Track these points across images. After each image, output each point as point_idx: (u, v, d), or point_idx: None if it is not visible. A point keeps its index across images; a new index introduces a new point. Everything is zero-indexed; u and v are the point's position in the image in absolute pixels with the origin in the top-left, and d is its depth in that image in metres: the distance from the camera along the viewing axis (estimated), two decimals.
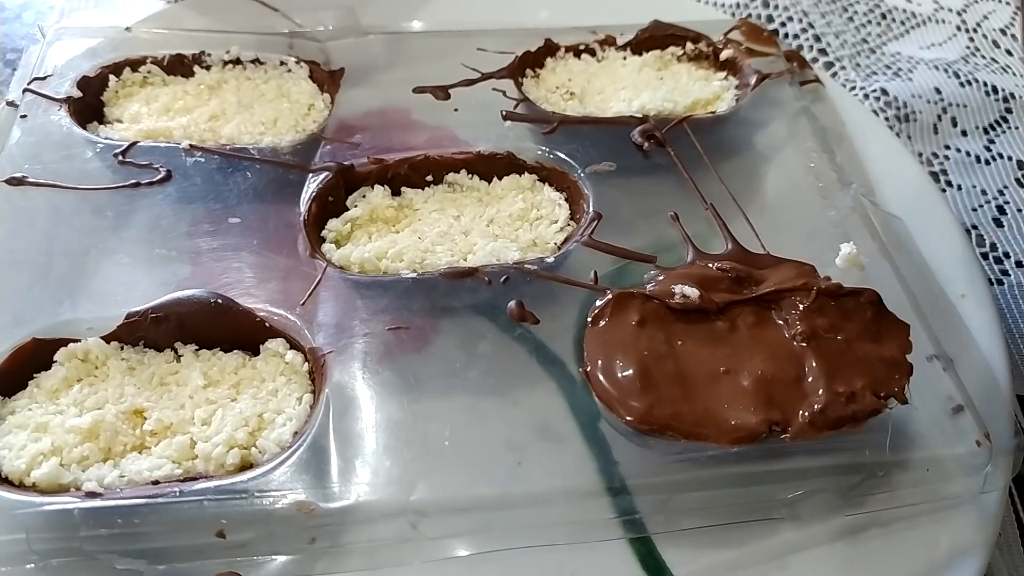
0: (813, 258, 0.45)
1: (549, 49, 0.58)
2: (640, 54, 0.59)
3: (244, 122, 0.51)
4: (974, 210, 0.58)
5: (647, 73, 0.57)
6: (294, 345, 0.41)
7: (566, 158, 0.50)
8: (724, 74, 0.58)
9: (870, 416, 0.38)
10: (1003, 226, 0.57)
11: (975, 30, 0.70)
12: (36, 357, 0.40)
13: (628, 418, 0.37)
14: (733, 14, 0.72)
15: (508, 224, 0.47)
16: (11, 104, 0.52)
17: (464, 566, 0.36)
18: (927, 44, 0.70)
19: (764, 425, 0.37)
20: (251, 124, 0.51)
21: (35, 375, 0.40)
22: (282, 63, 0.56)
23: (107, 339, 0.41)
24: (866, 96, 0.65)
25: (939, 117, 0.64)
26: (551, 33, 0.58)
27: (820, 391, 0.38)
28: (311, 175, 0.48)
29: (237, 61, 0.56)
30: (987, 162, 0.61)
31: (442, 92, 0.54)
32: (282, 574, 0.36)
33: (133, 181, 0.48)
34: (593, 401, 0.39)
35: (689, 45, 0.59)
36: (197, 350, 0.41)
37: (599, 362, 0.39)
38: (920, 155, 0.62)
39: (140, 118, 0.52)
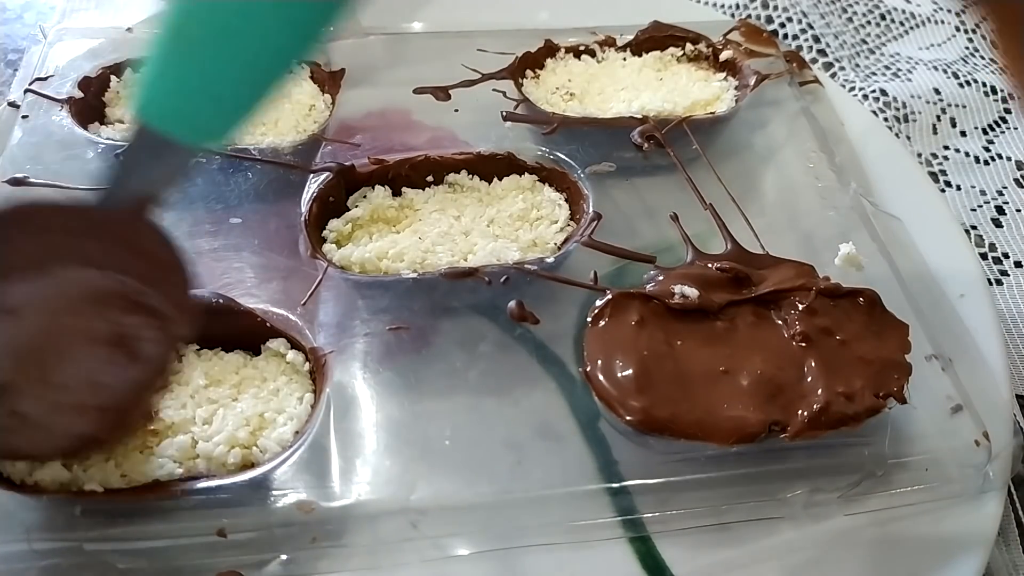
0: (812, 258, 0.45)
1: (549, 50, 0.58)
2: (640, 55, 0.59)
3: None
4: (973, 210, 0.58)
5: (647, 74, 0.57)
6: (295, 345, 0.41)
7: (566, 159, 0.50)
8: (724, 75, 0.58)
9: (869, 416, 0.38)
10: (1002, 226, 0.57)
11: (974, 31, 0.71)
12: None
13: (628, 418, 0.37)
14: (733, 15, 0.72)
15: (508, 224, 0.47)
16: (12, 105, 0.52)
17: (464, 565, 0.36)
18: (926, 45, 0.71)
19: (763, 425, 0.37)
20: (252, 124, 0.51)
21: None
22: None
23: None
24: (865, 97, 0.65)
25: (938, 117, 0.64)
26: (551, 34, 0.58)
27: (819, 391, 0.38)
28: (312, 175, 0.48)
29: None
30: (986, 162, 0.61)
31: (442, 93, 0.54)
32: (283, 574, 0.36)
33: None
34: (593, 401, 0.39)
35: (689, 46, 0.59)
36: (198, 350, 0.41)
37: (599, 362, 0.39)
38: (919, 155, 0.62)
39: None
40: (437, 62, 0.56)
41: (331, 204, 0.48)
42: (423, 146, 0.51)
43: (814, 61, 0.69)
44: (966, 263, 0.49)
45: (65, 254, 0.33)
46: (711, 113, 0.54)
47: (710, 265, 0.44)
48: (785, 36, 0.71)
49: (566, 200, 0.49)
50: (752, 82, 0.56)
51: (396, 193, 0.49)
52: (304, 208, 0.47)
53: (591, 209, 0.47)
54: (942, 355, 0.42)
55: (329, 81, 0.56)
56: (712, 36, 0.59)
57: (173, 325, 0.34)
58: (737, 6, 0.73)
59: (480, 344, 0.43)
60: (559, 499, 0.38)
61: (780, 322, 0.42)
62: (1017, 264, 0.55)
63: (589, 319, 0.41)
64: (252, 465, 0.37)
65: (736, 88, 0.56)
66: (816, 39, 0.71)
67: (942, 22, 0.71)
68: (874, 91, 0.65)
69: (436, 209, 0.48)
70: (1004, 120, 0.64)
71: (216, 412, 0.38)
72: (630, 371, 0.39)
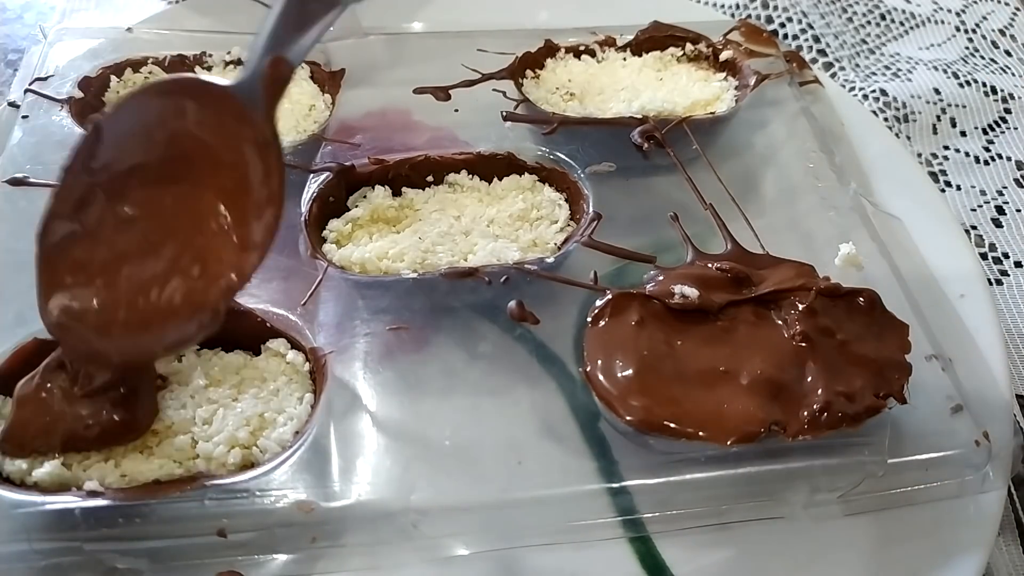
0: (812, 258, 0.45)
1: (549, 50, 0.58)
2: (640, 55, 0.59)
3: None
4: (973, 210, 0.59)
5: (647, 74, 0.57)
6: (295, 345, 0.41)
7: (566, 159, 0.50)
8: (724, 75, 0.58)
9: (869, 416, 0.38)
10: (1002, 226, 0.58)
11: (974, 31, 0.71)
12: (38, 357, 0.40)
13: (628, 418, 0.37)
14: (733, 15, 0.72)
15: (508, 224, 0.47)
16: (12, 105, 0.52)
17: (464, 565, 0.36)
18: (926, 45, 0.71)
19: (763, 425, 0.37)
20: None
21: None
22: None
23: None
24: (865, 97, 0.65)
25: (938, 117, 0.64)
26: (551, 34, 0.58)
27: (819, 391, 0.38)
28: (312, 175, 0.48)
29: (238, 62, 0.56)
30: (986, 162, 0.62)
31: (442, 93, 0.54)
32: (283, 574, 0.36)
33: None
34: (593, 401, 0.40)
35: (689, 46, 0.59)
36: (199, 350, 0.41)
37: (599, 362, 0.39)
38: (919, 155, 0.62)
39: None
40: (437, 62, 0.56)
41: (331, 204, 0.48)
42: (423, 146, 0.51)
43: (814, 61, 0.69)
44: (966, 263, 0.49)
45: (186, 151, 0.33)
46: (711, 113, 0.54)
47: (710, 265, 0.44)
48: (785, 36, 0.71)
49: (566, 200, 0.49)
50: (752, 82, 0.56)
51: (396, 193, 0.49)
52: (304, 208, 0.47)
53: (591, 209, 0.47)
54: (942, 355, 0.42)
55: (329, 81, 0.56)
56: (712, 36, 0.59)
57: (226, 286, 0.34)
58: (737, 6, 0.73)
59: (480, 344, 0.43)
60: (559, 499, 0.38)
61: (780, 322, 0.41)
62: (1017, 264, 0.55)
63: (589, 319, 0.41)
64: (252, 465, 0.37)
65: (736, 88, 0.56)
66: (816, 39, 0.71)
67: (942, 22, 0.72)
68: (874, 91, 0.65)
69: (436, 209, 0.48)
70: (1004, 120, 0.64)
71: (216, 412, 0.38)
72: (630, 371, 0.39)
